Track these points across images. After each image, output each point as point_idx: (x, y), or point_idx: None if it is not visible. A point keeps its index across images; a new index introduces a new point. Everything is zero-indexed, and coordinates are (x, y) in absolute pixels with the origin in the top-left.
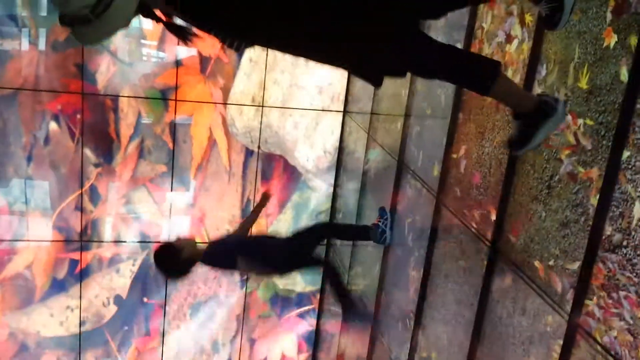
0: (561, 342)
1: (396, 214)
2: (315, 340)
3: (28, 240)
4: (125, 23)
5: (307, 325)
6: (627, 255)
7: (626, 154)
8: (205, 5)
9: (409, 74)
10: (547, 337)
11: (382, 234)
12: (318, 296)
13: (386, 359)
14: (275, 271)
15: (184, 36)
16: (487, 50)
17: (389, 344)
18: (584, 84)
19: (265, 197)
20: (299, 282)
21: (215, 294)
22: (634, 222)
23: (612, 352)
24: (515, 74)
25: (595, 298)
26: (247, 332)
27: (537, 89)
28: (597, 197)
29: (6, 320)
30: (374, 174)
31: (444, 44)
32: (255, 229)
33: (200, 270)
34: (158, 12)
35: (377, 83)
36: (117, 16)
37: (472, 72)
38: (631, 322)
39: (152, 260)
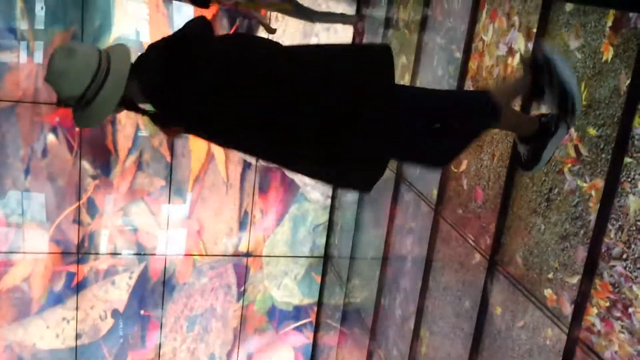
0: (561, 355)
1: (394, 225)
2: (312, 354)
3: (25, 253)
4: (110, 113)
5: (304, 338)
6: (628, 268)
7: (626, 166)
8: (179, 110)
9: None
10: (546, 350)
11: None
12: (315, 309)
13: None
14: None
15: (166, 126)
16: (487, 62)
17: (387, 357)
18: (582, 98)
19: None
20: (297, 294)
21: (212, 307)
22: (634, 234)
23: None
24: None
25: (595, 311)
26: (244, 346)
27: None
28: (597, 210)
29: (2, 332)
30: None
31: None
32: None
33: (198, 284)
34: (141, 105)
35: (368, 189)
36: (100, 109)
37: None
38: (632, 335)
39: (149, 276)
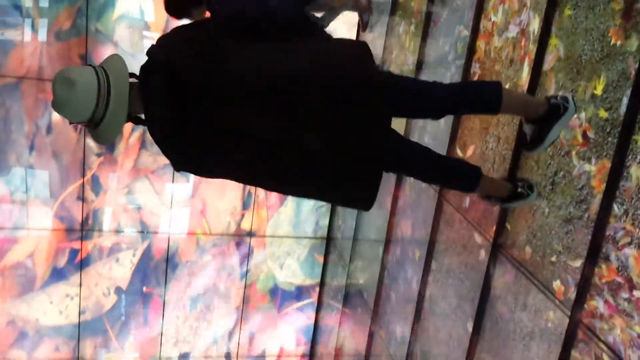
0: (563, 338)
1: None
2: (313, 334)
3: (29, 229)
4: (122, 128)
5: (306, 318)
6: (632, 251)
7: (632, 150)
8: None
9: None
10: (548, 333)
11: None
12: (317, 290)
13: (384, 353)
14: None
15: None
16: (496, 44)
17: (388, 338)
18: (596, 87)
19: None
20: (299, 274)
21: (215, 286)
22: (639, 218)
23: (615, 350)
24: (523, 70)
25: (598, 295)
26: (246, 324)
27: (546, 87)
28: (602, 193)
29: (6, 307)
30: None
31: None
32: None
33: (201, 262)
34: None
35: (369, 206)
36: (111, 127)
37: (479, 98)
38: (635, 320)
39: (152, 254)
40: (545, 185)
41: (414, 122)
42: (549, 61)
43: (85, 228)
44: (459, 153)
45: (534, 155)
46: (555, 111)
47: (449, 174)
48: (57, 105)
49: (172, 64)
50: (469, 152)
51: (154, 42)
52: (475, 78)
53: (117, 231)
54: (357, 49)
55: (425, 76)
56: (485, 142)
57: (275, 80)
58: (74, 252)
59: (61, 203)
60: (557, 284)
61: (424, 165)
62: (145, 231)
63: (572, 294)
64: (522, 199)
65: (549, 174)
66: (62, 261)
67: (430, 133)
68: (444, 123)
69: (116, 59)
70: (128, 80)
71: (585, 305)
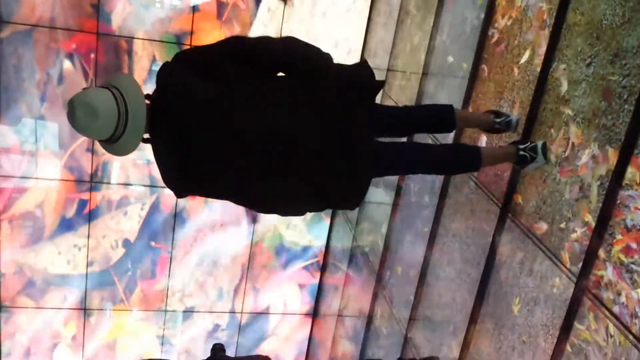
0: (567, 305)
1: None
2: (317, 293)
3: (38, 179)
4: (138, 144)
5: (311, 277)
6: None
7: None
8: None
9: None
10: (553, 299)
11: None
12: (323, 250)
13: (388, 314)
14: None
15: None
16: (514, 14)
17: (392, 300)
18: (611, 46)
19: None
20: (306, 235)
21: (222, 242)
22: None
23: (620, 317)
24: (540, 38)
25: (605, 262)
26: (251, 281)
27: (564, 52)
28: (615, 160)
29: (15, 256)
30: None
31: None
32: None
33: (208, 219)
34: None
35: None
36: (129, 143)
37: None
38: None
39: (160, 209)
40: (559, 151)
41: (425, 88)
42: (569, 26)
43: (94, 180)
44: None
45: (550, 120)
46: (523, 161)
47: (449, 163)
48: (78, 129)
49: (177, 115)
50: None
51: (163, 69)
52: (493, 40)
53: (126, 184)
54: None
55: (441, 38)
56: (500, 106)
57: (274, 141)
58: (82, 203)
59: (71, 154)
60: (564, 251)
61: (421, 164)
62: (154, 185)
63: (580, 261)
64: (527, 163)
65: (563, 140)
66: (71, 212)
67: (443, 98)
68: (458, 86)
69: (130, 81)
70: (145, 105)
71: (592, 273)
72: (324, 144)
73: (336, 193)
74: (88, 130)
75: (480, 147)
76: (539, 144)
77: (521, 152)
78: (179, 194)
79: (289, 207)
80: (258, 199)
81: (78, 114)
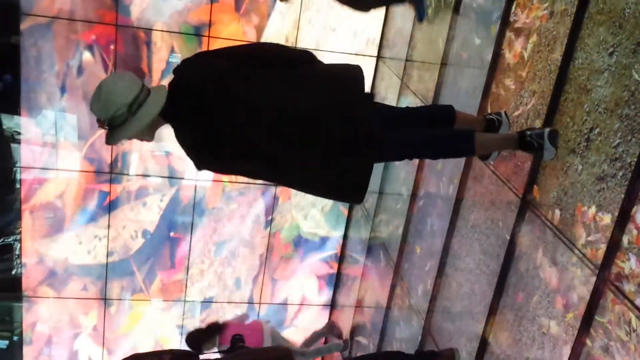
0: (589, 296)
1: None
2: (335, 285)
3: (58, 170)
4: (154, 116)
5: (329, 268)
6: None
7: None
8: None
9: None
10: (575, 290)
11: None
12: (341, 241)
13: (406, 305)
14: None
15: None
16: (535, 3)
17: (410, 291)
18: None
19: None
20: (323, 225)
21: (240, 233)
22: None
23: None
24: (562, 27)
25: (627, 254)
26: (269, 272)
27: (586, 42)
28: (638, 151)
29: (36, 246)
30: None
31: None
32: None
33: (227, 210)
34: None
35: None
36: (149, 110)
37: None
38: None
39: (179, 200)
40: (580, 142)
41: (445, 78)
42: (591, 15)
43: (114, 171)
44: (491, 108)
45: (570, 109)
46: (529, 147)
47: (442, 147)
48: (105, 88)
49: (200, 90)
50: (503, 107)
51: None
52: (515, 26)
53: (145, 175)
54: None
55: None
56: (520, 96)
57: (288, 116)
58: (102, 194)
59: (91, 145)
60: (585, 242)
61: (416, 148)
62: (173, 176)
63: (601, 253)
64: (534, 150)
65: (584, 130)
66: (91, 203)
67: (462, 88)
68: (477, 76)
69: (163, 91)
70: (160, 107)
71: (614, 265)
72: (330, 119)
73: (340, 169)
74: (91, 107)
75: (475, 131)
76: (546, 131)
77: (527, 139)
78: (199, 167)
79: (302, 177)
80: (274, 169)
81: (108, 78)
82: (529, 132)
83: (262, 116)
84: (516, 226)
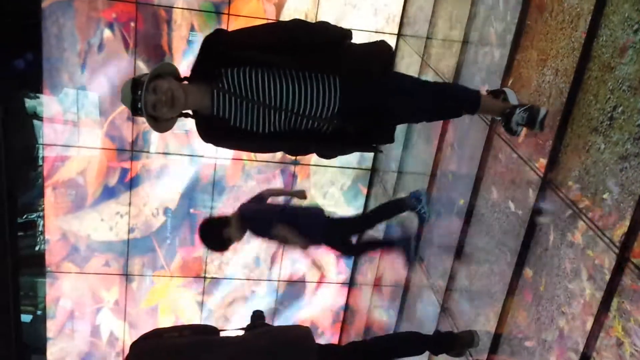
0: (609, 275)
1: (430, 196)
2: (354, 263)
3: (80, 147)
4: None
5: None
6: None
7: None
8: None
9: None
10: (594, 270)
11: (422, 215)
12: None
13: (424, 285)
14: (307, 244)
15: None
16: None
17: (428, 271)
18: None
19: (301, 195)
20: (342, 204)
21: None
22: None
23: None
24: (586, 3)
25: None
26: (288, 250)
27: (611, 18)
28: None
29: (59, 222)
30: None
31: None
32: None
33: (246, 187)
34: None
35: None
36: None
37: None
38: None
39: (199, 178)
40: (603, 120)
41: (466, 56)
42: None
43: (135, 148)
44: (512, 84)
45: (593, 88)
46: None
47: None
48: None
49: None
50: (525, 85)
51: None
52: (537, 6)
53: (166, 153)
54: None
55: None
56: (542, 74)
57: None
58: (124, 172)
59: (111, 122)
60: (607, 222)
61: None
62: (193, 154)
63: (623, 233)
64: (511, 125)
65: (608, 108)
66: (113, 180)
67: (483, 66)
68: (500, 54)
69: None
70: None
71: (636, 245)
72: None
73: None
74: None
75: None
76: (539, 111)
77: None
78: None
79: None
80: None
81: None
82: (519, 109)
83: None
84: (536, 206)
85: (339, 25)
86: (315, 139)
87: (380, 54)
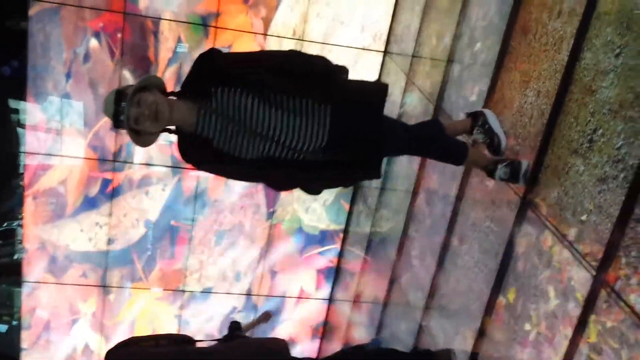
0: (585, 297)
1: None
2: (334, 279)
3: (62, 156)
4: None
5: (328, 262)
6: None
7: None
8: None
9: None
10: (572, 291)
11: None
12: (341, 235)
13: (403, 301)
14: None
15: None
16: (544, 1)
17: (408, 287)
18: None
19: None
20: (324, 219)
21: (241, 224)
22: None
23: (638, 311)
24: (569, 27)
25: (625, 256)
26: (269, 264)
27: (593, 42)
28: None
29: (38, 231)
30: (410, 118)
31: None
32: None
33: (228, 201)
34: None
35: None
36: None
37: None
38: None
39: (182, 190)
40: (583, 142)
41: (451, 76)
42: (599, 15)
43: (117, 159)
44: (495, 105)
45: (574, 110)
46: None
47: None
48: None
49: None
50: (507, 105)
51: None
52: (521, 28)
53: (148, 164)
54: None
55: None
56: (525, 95)
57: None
58: (105, 182)
59: (95, 133)
60: (584, 243)
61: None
62: (175, 166)
63: (600, 255)
64: (494, 179)
65: (588, 131)
66: (94, 190)
67: (468, 86)
68: (484, 74)
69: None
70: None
71: (612, 267)
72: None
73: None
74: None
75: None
76: (521, 165)
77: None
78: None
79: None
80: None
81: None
82: (501, 165)
83: None
84: (516, 226)
85: (327, 41)
86: (299, 171)
87: (376, 91)
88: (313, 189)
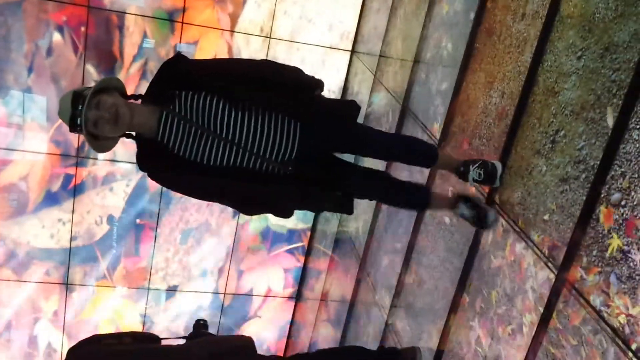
0: (547, 296)
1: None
2: (301, 277)
3: (24, 151)
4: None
5: (295, 261)
6: (624, 215)
7: (636, 113)
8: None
9: None
10: (533, 290)
11: None
12: (309, 234)
13: (370, 300)
14: None
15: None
16: (508, 4)
17: (375, 286)
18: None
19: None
20: (292, 219)
21: (207, 222)
22: (635, 182)
23: (599, 310)
24: (532, 29)
25: (587, 256)
26: (236, 263)
27: (556, 44)
28: (601, 154)
29: None
30: (377, 117)
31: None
32: None
33: (194, 200)
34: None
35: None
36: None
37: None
38: (621, 282)
39: (147, 187)
40: (545, 143)
41: (417, 76)
42: (561, 18)
43: (80, 155)
44: (460, 105)
45: (537, 111)
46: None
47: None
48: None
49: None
50: (472, 106)
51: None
52: (486, 30)
53: (112, 160)
54: None
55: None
56: (489, 96)
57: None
58: (68, 178)
59: (57, 128)
60: (546, 243)
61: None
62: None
63: (561, 254)
64: (467, 181)
65: (550, 132)
66: (56, 186)
67: (433, 86)
68: (449, 75)
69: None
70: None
71: (573, 266)
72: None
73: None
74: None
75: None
76: (496, 167)
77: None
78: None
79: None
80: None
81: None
82: (472, 167)
83: None
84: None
85: (295, 39)
86: (267, 184)
87: (348, 109)
88: (283, 210)
